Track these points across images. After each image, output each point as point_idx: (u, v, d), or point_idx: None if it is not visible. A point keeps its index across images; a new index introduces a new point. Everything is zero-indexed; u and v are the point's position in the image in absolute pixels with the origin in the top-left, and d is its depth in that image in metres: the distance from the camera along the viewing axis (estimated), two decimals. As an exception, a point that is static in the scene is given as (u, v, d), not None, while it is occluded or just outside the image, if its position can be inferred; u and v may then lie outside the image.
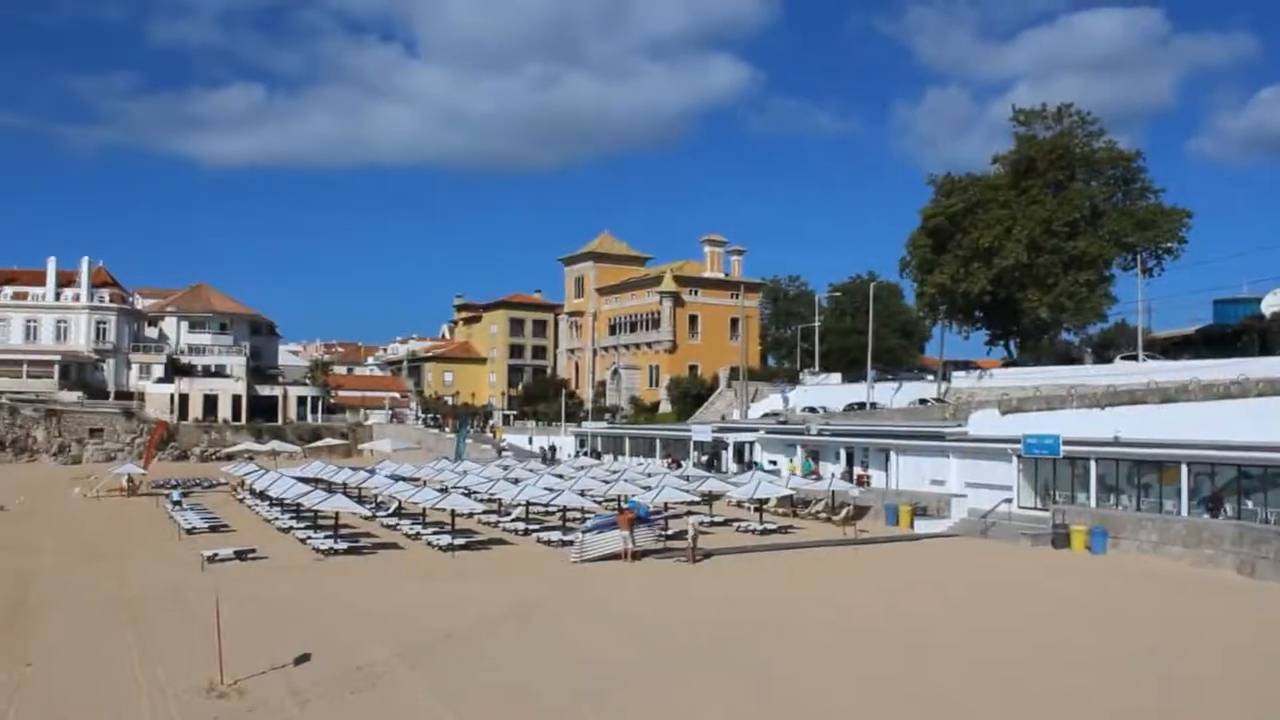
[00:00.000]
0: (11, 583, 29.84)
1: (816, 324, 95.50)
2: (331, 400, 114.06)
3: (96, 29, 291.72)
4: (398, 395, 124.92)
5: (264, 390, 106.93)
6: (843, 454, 54.60)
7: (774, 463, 58.07)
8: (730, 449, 63.67)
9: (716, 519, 44.63)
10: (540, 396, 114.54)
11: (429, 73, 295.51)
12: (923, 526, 43.58)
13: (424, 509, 42.01)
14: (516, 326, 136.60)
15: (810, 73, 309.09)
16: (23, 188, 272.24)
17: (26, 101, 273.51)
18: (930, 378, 73.42)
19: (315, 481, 48.39)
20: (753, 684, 19.26)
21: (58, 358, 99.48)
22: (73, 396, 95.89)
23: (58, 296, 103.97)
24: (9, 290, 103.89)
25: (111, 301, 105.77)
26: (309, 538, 38.60)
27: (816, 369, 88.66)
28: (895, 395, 70.05)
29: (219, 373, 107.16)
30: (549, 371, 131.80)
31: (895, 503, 46.24)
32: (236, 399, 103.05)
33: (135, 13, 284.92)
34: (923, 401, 66.61)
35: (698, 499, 45.10)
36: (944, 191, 73.60)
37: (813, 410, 70.52)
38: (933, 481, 47.66)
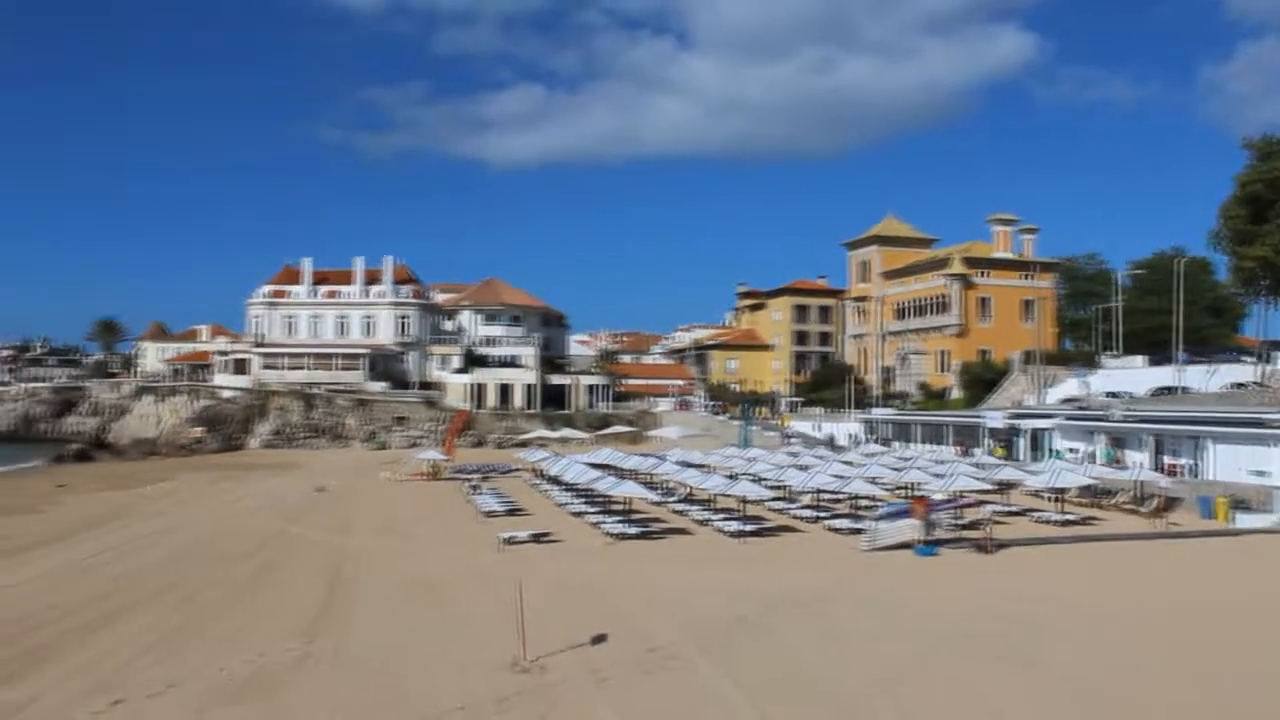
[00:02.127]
0: (332, 559, 32.33)
1: (1117, 304, 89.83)
2: (619, 388, 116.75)
3: (389, 43, 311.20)
4: (683, 383, 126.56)
5: (555, 379, 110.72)
6: (1150, 442, 51.29)
7: (1074, 450, 55.25)
8: (1026, 436, 61.05)
9: (1012, 508, 42.86)
10: (826, 383, 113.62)
11: (702, 63, 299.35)
12: (1244, 521, 40.33)
13: (712, 495, 42.27)
14: (800, 313, 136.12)
15: (1102, 38, 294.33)
16: (331, 193, 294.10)
17: (330, 114, 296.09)
18: (1248, 359, 68.26)
19: (605, 468, 49.36)
20: (1047, 682, 18.26)
21: (365, 351, 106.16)
22: (379, 387, 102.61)
23: (365, 294, 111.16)
24: (322, 290, 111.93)
25: (413, 297, 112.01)
26: (601, 522, 39.54)
27: (1117, 352, 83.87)
28: (1208, 379, 65.42)
29: (512, 363, 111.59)
30: (834, 358, 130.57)
31: (1210, 495, 43.05)
32: (529, 388, 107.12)
33: (423, 25, 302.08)
34: (1240, 385, 62.13)
35: (992, 487, 43.44)
36: (1262, 155, 67.68)
37: (1115, 395, 66.84)
38: (1253, 472, 44.00)
